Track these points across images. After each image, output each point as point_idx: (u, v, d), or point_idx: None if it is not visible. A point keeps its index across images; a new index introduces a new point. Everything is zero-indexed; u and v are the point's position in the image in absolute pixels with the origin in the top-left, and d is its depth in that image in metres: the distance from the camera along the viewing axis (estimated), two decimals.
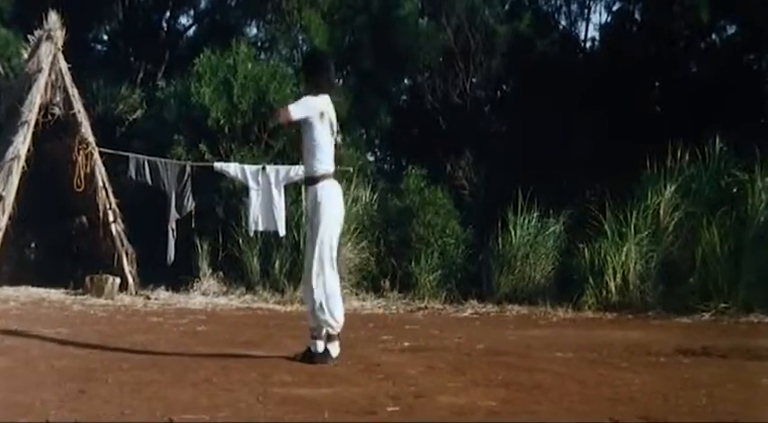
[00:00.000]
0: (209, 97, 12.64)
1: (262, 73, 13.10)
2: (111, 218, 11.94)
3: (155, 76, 16.35)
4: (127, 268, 11.83)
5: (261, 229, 11.36)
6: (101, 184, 11.88)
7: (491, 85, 15.57)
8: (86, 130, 11.90)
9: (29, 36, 12.20)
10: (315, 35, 14.59)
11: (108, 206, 11.92)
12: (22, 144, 11.29)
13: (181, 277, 11.88)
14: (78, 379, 5.04)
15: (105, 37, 18.32)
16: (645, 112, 13.65)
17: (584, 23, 16.14)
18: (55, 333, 7.19)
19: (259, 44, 16.40)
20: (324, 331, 5.81)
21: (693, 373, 5.72)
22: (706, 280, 10.03)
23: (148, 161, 11.80)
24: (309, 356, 5.79)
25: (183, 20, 18.25)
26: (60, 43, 11.77)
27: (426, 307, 10.98)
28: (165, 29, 17.74)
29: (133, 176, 11.82)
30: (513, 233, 11.47)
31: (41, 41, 11.81)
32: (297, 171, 10.85)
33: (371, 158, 16.11)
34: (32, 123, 11.42)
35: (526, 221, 11.51)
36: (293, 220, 11.49)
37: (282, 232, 11.29)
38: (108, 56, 17.79)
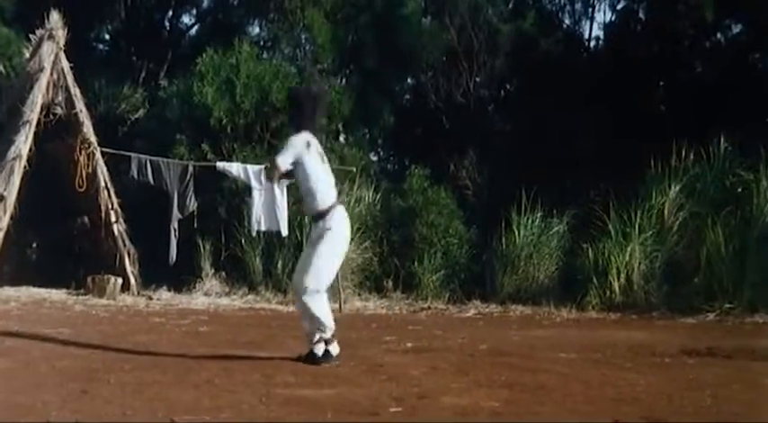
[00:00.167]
0: (211, 97, 12.63)
1: (264, 72, 13.09)
2: (113, 218, 11.94)
3: (157, 75, 16.37)
4: (129, 268, 11.83)
5: (263, 229, 11.31)
6: (103, 183, 11.88)
7: (494, 85, 15.55)
8: (88, 129, 11.90)
9: (30, 35, 12.20)
10: (317, 34, 14.57)
11: (110, 206, 11.92)
12: (23, 144, 11.29)
13: (183, 277, 11.87)
14: (80, 379, 5.02)
15: (107, 36, 18.38)
16: (649, 111, 13.60)
17: (588, 22, 16.19)
18: (56, 333, 7.18)
19: (262, 43, 16.39)
20: (318, 336, 5.82)
21: (698, 374, 5.69)
22: (711, 280, 9.99)
23: (150, 161, 11.76)
24: (312, 358, 5.78)
25: (186, 19, 18.34)
26: (62, 42, 11.77)
27: (429, 307, 10.97)
28: (168, 28, 17.77)
29: (135, 176, 11.78)
30: (516, 233, 11.46)
31: (43, 41, 11.81)
32: None
33: (374, 158, 16.12)
34: (34, 123, 11.42)
35: (530, 221, 11.50)
36: (296, 221, 11.45)
37: (285, 232, 11.24)
38: (110, 55, 17.80)
